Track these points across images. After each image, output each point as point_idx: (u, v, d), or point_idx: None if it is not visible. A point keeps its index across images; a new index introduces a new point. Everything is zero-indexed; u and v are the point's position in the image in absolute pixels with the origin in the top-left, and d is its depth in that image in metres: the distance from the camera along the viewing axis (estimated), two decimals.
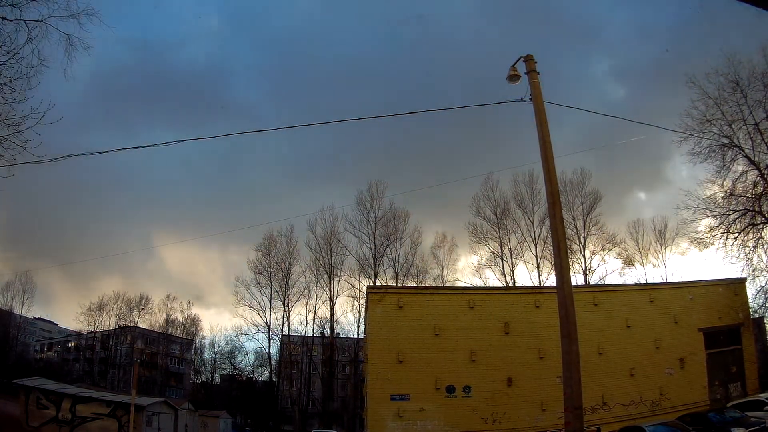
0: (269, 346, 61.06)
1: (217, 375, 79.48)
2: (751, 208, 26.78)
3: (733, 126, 26.97)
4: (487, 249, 51.88)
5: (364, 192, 56.42)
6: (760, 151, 26.65)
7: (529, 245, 51.22)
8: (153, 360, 74.30)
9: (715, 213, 27.45)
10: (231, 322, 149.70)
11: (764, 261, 27.16)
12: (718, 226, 27.31)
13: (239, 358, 73.35)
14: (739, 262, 27.55)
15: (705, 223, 27.81)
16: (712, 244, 27.65)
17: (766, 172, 26.36)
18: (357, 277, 55.56)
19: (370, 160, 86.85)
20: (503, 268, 51.15)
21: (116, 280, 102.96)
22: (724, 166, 27.22)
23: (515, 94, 13.27)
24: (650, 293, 30.08)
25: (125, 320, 73.13)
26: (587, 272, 49.95)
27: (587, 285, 42.98)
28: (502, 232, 51.88)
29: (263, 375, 71.31)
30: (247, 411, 69.83)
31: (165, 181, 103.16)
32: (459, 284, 51.53)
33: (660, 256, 51.98)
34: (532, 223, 51.29)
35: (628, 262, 51.02)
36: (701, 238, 28.22)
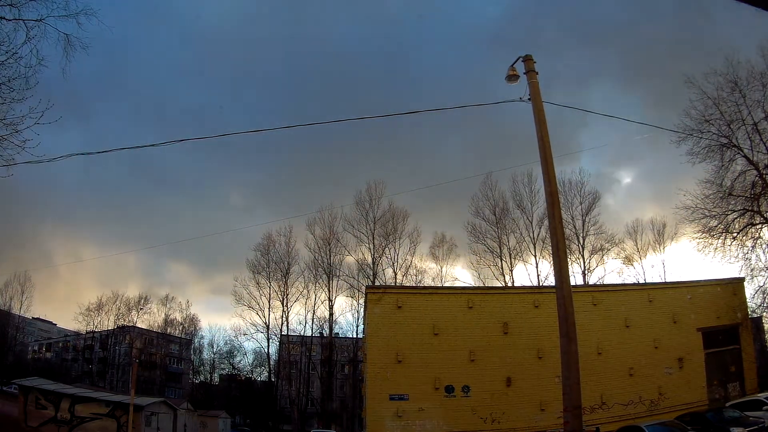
0: (268, 345, 61.15)
1: (216, 375, 79.60)
2: (750, 208, 26.81)
3: (731, 126, 27.00)
4: (486, 249, 51.93)
5: (363, 192, 56.48)
6: (758, 151, 26.68)
7: (528, 245, 51.30)
8: (152, 360, 74.23)
9: (713, 213, 27.49)
10: (230, 322, 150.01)
11: (763, 261, 27.23)
12: (716, 226, 27.35)
13: (238, 358, 73.60)
14: (738, 261, 27.62)
15: (703, 223, 27.84)
16: (711, 244, 27.68)
17: (764, 172, 26.37)
18: (356, 276, 55.58)
19: (369, 159, 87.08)
20: (502, 268, 51.17)
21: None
22: (722, 166, 27.26)
23: (515, 94, 13.29)
24: (649, 293, 30.11)
25: (124, 320, 73.15)
26: (586, 272, 50.02)
27: (586, 285, 42.99)
28: (501, 232, 51.89)
29: (262, 375, 71.50)
30: (246, 411, 69.83)
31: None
32: (458, 284, 51.54)
33: (659, 255, 52.06)
34: (531, 223, 51.35)
35: (627, 261, 51.11)
36: (700, 238, 28.25)
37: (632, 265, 51.14)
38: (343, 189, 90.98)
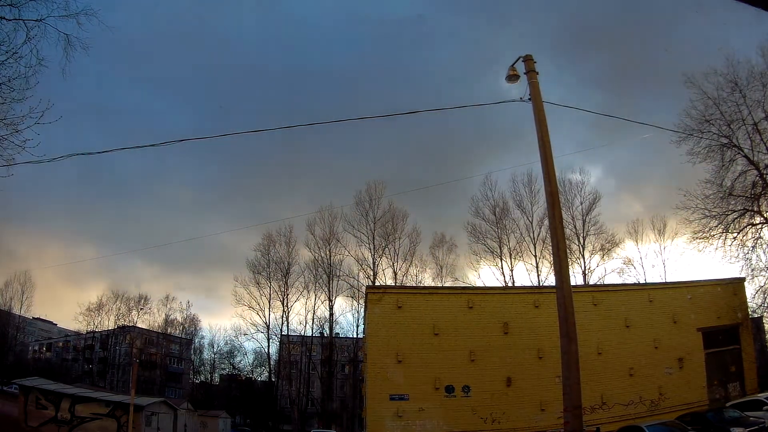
0: (268, 345, 61.15)
1: (216, 375, 79.61)
2: (750, 208, 26.82)
3: (732, 126, 27.03)
4: (486, 249, 51.93)
5: (363, 192, 56.45)
6: (759, 151, 26.71)
7: (528, 245, 51.24)
8: (152, 360, 74.24)
9: (713, 213, 27.50)
10: (230, 322, 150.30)
11: (763, 261, 27.24)
12: (716, 226, 27.35)
13: (238, 358, 73.60)
14: (738, 261, 27.64)
15: (704, 223, 27.84)
16: (711, 244, 27.69)
17: (765, 172, 26.39)
18: (356, 277, 55.63)
19: (368, 160, 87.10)
20: (502, 268, 51.19)
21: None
22: (723, 166, 27.28)
23: (515, 94, 13.30)
24: (649, 293, 30.10)
25: (124, 320, 73.17)
26: (586, 272, 50.00)
27: (586, 285, 42.97)
28: (501, 232, 51.88)
29: (262, 375, 71.52)
30: (246, 411, 69.83)
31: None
32: (458, 284, 51.46)
33: (659, 255, 52.03)
34: (531, 223, 51.29)
35: (627, 261, 51.10)
36: (700, 238, 28.24)
37: (632, 263, 51.21)
38: (341, 189, 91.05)
